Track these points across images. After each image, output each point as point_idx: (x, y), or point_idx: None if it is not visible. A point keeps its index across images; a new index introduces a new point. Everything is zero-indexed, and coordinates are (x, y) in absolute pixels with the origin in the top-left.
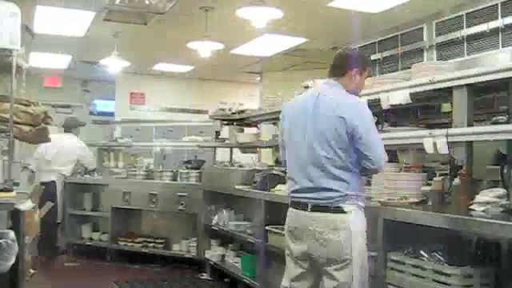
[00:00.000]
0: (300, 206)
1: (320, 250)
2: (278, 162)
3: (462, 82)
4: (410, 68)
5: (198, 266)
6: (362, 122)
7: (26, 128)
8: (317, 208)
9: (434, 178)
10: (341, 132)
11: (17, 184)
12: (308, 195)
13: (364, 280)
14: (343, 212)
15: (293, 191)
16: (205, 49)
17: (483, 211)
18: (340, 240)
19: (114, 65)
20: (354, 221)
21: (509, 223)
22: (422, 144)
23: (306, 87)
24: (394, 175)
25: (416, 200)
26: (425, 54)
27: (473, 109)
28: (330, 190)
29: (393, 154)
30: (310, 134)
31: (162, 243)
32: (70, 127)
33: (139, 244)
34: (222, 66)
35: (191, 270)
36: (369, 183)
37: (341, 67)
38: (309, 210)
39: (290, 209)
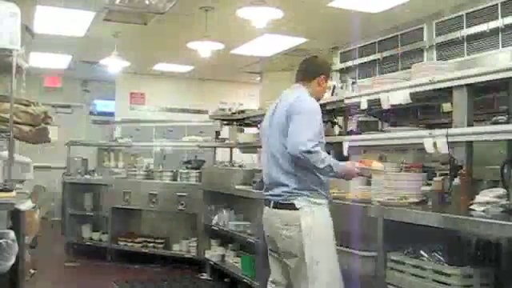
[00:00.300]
0: (267, 202)
1: (279, 243)
2: None
3: (462, 81)
4: (409, 68)
5: (198, 265)
6: (300, 111)
7: (26, 128)
8: (276, 205)
9: (434, 178)
10: (285, 126)
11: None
12: (270, 192)
13: (322, 275)
14: (295, 208)
15: (264, 189)
16: (205, 49)
17: (483, 211)
18: (291, 235)
19: (113, 65)
20: (305, 217)
21: (509, 223)
22: (422, 144)
23: None
24: (394, 175)
25: (416, 200)
26: (425, 53)
27: (473, 109)
28: (285, 185)
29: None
30: (269, 135)
31: (162, 243)
32: None
33: (139, 244)
34: (222, 66)
35: (191, 270)
36: (369, 183)
37: (310, 73)
38: (271, 206)
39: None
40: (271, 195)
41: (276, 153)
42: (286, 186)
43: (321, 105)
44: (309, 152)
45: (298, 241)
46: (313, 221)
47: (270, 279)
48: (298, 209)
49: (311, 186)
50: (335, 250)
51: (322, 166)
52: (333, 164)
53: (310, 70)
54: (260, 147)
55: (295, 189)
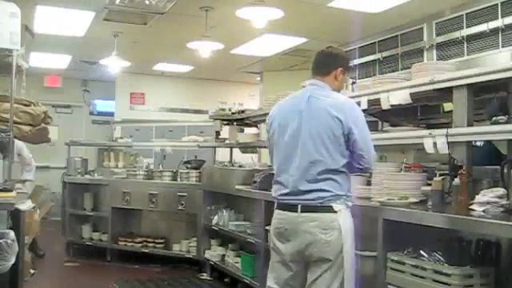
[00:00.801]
0: (290, 207)
1: (311, 249)
2: None
3: (462, 82)
4: (409, 68)
5: (198, 265)
6: (356, 122)
7: (26, 128)
8: (307, 208)
9: (434, 178)
10: (336, 133)
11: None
12: (300, 197)
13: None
14: (334, 211)
15: (282, 194)
16: (205, 49)
17: (483, 211)
18: (331, 240)
19: (113, 65)
20: (344, 220)
21: (509, 223)
22: (421, 144)
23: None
24: (394, 175)
25: (416, 200)
26: (425, 53)
27: (473, 109)
28: (322, 190)
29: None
30: (303, 135)
31: (162, 243)
32: None
33: (139, 244)
34: (221, 66)
35: (191, 270)
36: (369, 183)
37: (326, 66)
38: (299, 211)
39: (279, 211)
40: (299, 199)
41: (314, 158)
42: (324, 191)
43: None
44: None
45: (336, 245)
46: (349, 224)
47: (272, 286)
48: (336, 212)
49: (346, 191)
50: None
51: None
52: None
53: (325, 62)
54: (260, 147)
55: (334, 193)
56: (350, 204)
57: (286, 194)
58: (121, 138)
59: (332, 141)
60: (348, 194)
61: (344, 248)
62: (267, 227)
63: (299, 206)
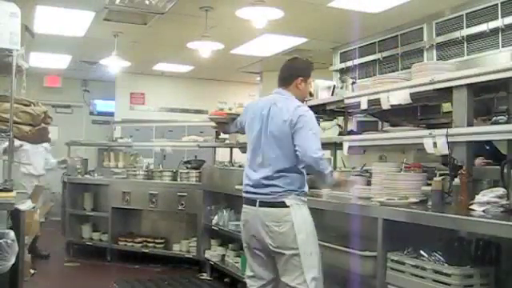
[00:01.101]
0: (251, 202)
1: (269, 240)
2: None
3: (462, 82)
4: (409, 68)
5: (198, 265)
6: (302, 123)
7: (26, 128)
8: (263, 203)
9: (434, 178)
10: (287, 133)
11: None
12: (259, 190)
13: (316, 264)
14: (286, 206)
15: (246, 185)
16: (205, 49)
17: (483, 211)
18: (284, 231)
19: (114, 65)
20: (296, 213)
21: (509, 223)
22: (422, 144)
23: None
24: (394, 175)
25: (416, 200)
26: (425, 53)
27: (473, 109)
28: (275, 186)
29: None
30: (263, 137)
31: (162, 243)
32: None
33: (139, 244)
34: (222, 66)
35: (191, 270)
36: (369, 183)
37: (287, 77)
38: (257, 205)
39: (244, 205)
40: (257, 194)
41: (270, 157)
42: (277, 186)
43: (321, 105)
44: (320, 159)
45: (291, 235)
46: (302, 217)
47: (250, 274)
48: (288, 206)
49: (298, 187)
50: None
51: (327, 172)
52: (332, 171)
53: (286, 74)
54: None
55: (285, 189)
56: (303, 199)
57: (248, 186)
58: (121, 137)
59: (284, 142)
60: (300, 190)
61: (298, 238)
62: None
63: (257, 201)
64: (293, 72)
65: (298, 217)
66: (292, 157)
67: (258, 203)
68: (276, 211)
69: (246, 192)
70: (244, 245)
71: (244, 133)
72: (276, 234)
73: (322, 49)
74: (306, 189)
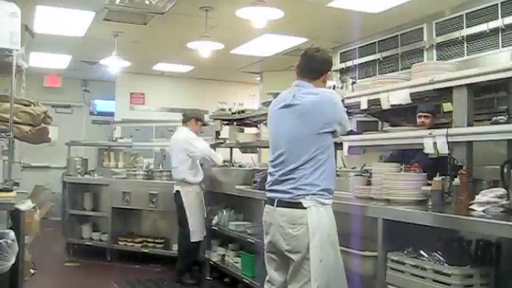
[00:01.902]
0: (270, 201)
1: (281, 241)
2: None
3: (462, 82)
4: (409, 68)
5: (198, 265)
6: (336, 115)
7: (26, 128)
8: (280, 203)
9: (434, 178)
10: (316, 125)
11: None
12: (277, 187)
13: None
14: (303, 208)
15: (268, 183)
16: (205, 49)
17: (483, 211)
18: (297, 234)
19: (113, 65)
20: (313, 216)
21: (509, 223)
22: (421, 144)
23: None
24: (393, 175)
25: (416, 200)
26: (425, 53)
27: (473, 109)
28: (295, 187)
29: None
30: (286, 133)
31: (162, 243)
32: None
33: (139, 244)
34: (222, 66)
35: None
36: (369, 183)
37: (315, 70)
38: (275, 205)
39: (266, 205)
40: (276, 192)
41: (292, 154)
42: (296, 188)
43: None
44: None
45: (303, 240)
46: (319, 220)
47: (266, 279)
48: (305, 208)
49: (320, 188)
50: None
51: None
52: None
53: (315, 66)
54: (260, 147)
55: (305, 190)
56: (324, 201)
57: (269, 184)
58: (121, 137)
59: (310, 137)
60: (323, 192)
61: (311, 243)
62: None
63: (275, 201)
64: (323, 65)
65: (315, 220)
66: (318, 153)
67: (275, 203)
68: (292, 212)
69: (268, 190)
70: (264, 247)
71: None
72: (289, 237)
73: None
74: (332, 187)
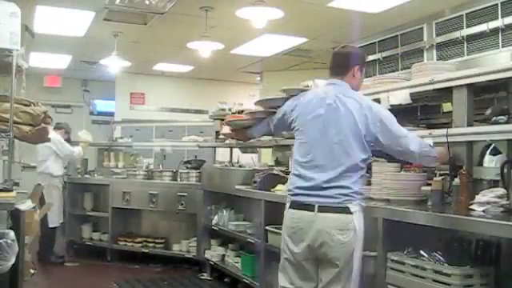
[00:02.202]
0: (306, 207)
1: (326, 249)
2: (278, 162)
3: (462, 82)
4: (409, 68)
5: (198, 265)
6: (383, 117)
7: (26, 128)
8: (324, 209)
9: (434, 178)
10: (361, 131)
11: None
12: (318, 193)
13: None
14: (350, 212)
15: (298, 187)
16: (205, 49)
17: (483, 211)
18: (346, 241)
19: (113, 65)
20: (359, 221)
21: (509, 223)
22: None
23: (306, 87)
24: (393, 175)
25: (416, 200)
26: (425, 53)
27: (473, 109)
28: (342, 187)
29: None
30: (330, 134)
31: (162, 243)
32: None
33: (139, 244)
34: (222, 66)
35: (191, 270)
36: (369, 183)
37: (342, 66)
38: (316, 210)
39: (293, 211)
40: (317, 196)
41: (338, 156)
42: (343, 187)
43: None
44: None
45: (350, 246)
46: (362, 226)
47: (288, 286)
48: (352, 213)
49: (362, 190)
50: None
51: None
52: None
53: (341, 62)
54: (260, 147)
55: (352, 192)
56: (363, 205)
57: (304, 188)
58: (121, 137)
59: (357, 140)
60: (361, 196)
61: (355, 249)
62: (267, 227)
63: (316, 206)
64: (349, 60)
65: (361, 225)
66: (363, 156)
67: (316, 208)
68: (340, 217)
69: (299, 195)
70: (285, 256)
71: (275, 133)
72: (338, 243)
73: (322, 49)
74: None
